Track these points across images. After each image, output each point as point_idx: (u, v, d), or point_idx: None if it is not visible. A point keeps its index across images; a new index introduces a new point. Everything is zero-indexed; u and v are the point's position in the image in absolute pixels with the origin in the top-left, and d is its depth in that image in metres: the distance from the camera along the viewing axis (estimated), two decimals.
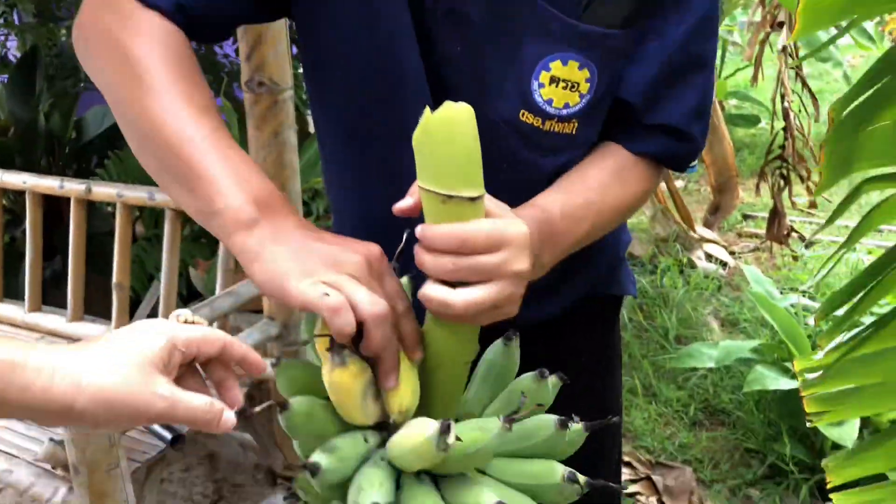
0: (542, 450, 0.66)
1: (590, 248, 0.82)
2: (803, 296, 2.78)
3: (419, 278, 0.64)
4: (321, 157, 0.94)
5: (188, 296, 2.47)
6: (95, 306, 2.02)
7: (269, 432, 1.83)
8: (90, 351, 0.54)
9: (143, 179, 2.32)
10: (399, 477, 0.62)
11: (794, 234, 3.24)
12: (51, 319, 1.97)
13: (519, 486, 0.65)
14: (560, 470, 0.63)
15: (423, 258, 0.60)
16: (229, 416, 0.58)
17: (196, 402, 0.56)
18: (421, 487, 0.62)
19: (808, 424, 0.96)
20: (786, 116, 2.92)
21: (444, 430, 0.55)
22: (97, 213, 2.45)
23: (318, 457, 0.59)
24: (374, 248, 0.63)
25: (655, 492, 2.12)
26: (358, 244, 0.63)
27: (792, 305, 2.46)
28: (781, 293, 2.66)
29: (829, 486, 0.94)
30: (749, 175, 4.79)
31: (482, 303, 0.60)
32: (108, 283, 1.85)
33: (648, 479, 2.14)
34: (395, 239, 0.68)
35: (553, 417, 0.65)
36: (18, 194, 2.32)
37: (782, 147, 3.02)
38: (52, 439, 1.34)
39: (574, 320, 0.94)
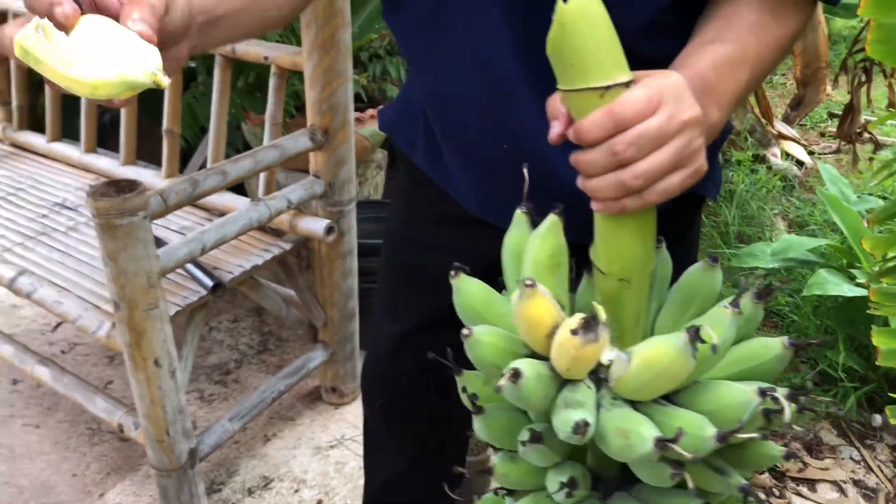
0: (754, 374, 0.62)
1: None
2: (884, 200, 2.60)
3: (568, 212, 0.60)
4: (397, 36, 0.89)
5: (243, 149, 2.46)
6: (150, 153, 2.02)
7: (311, 289, 1.84)
8: None
9: None
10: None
11: (866, 135, 3.01)
12: (104, 161, 1.99)
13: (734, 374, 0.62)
14: (776, 342, 0.61)
15: (586, 156, 0.55)
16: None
17: None
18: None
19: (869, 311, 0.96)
20: None
21: (695, 336, 0.53)
22: None
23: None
24: None
25: None
26: None
27: (868, 210, 2.30)
28: (859, 198, 2.50)
29: (875, 340, 0.94)
30: (841, 71, 4.45)
31: (663, 163, 0.54)
32: (162, 131, 1.84)
33: None
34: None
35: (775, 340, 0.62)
36: None
37: None
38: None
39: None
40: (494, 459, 0.68)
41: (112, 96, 0.54)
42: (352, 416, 1.93)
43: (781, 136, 3.36)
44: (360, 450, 1.81)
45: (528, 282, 0.56)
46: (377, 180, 2.49)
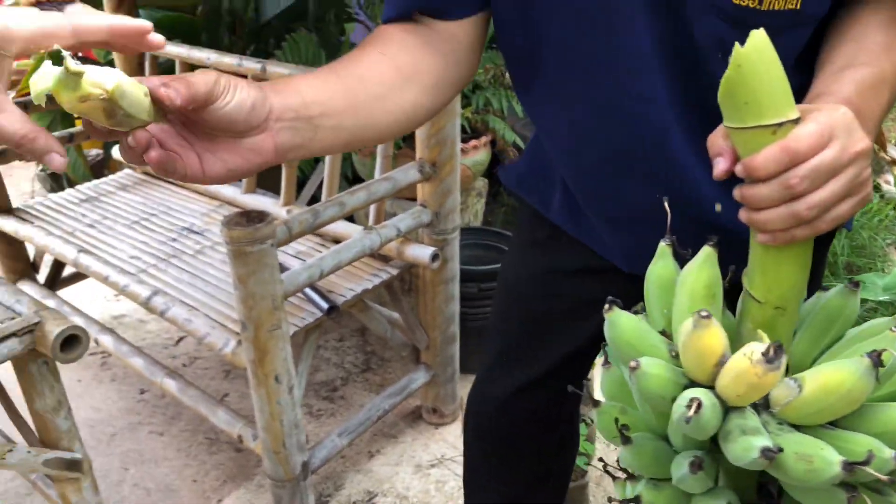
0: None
1: None
2: None
3: (722, 243, 0.62)
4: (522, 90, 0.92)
5: (353, 179, 2.58)
6: (269, 181, 2.16)
7: (414, 313, 1.92)
8: None
9: (316, 62, 2.41)
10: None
11: None
12: (228, 189, 2.14)
13: (885, 395, 0.62)
14: None
15: (756, 190, 0.57)
16: (52, 152, 0.54)
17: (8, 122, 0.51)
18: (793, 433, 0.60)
19: None
20: None
21: (877, 361, 0.54)
22: None
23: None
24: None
25: None
26: None
27: None
28: None
29: None
30: None
31: (836, 194, 0.56)
32: None
33: None
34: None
35: None
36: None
37: None
38: None
39: None
40: (638, 488, 0.69)
41: (50, 90, 0.54)
42: (451, 437, 2.00)
43: (895, 163, 3.23)
44: (459, 470, 1.87)
45: (704, 313, 0.58)
46: (477, 207, 2.56)
